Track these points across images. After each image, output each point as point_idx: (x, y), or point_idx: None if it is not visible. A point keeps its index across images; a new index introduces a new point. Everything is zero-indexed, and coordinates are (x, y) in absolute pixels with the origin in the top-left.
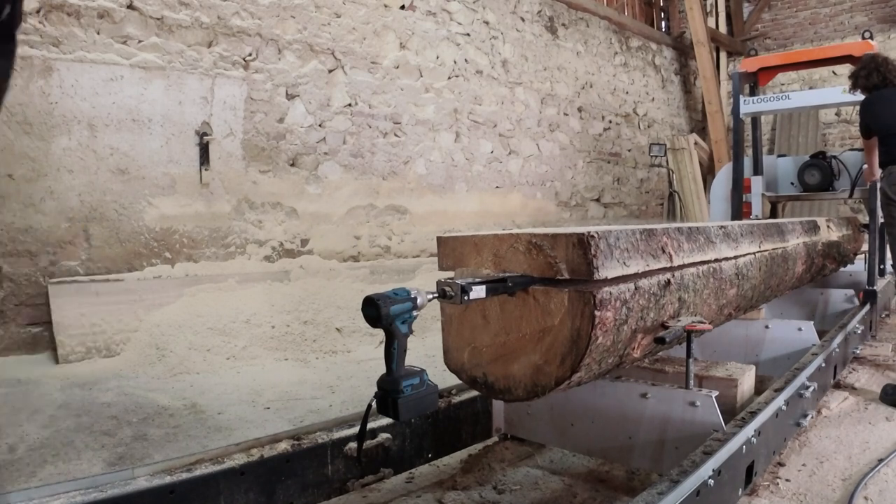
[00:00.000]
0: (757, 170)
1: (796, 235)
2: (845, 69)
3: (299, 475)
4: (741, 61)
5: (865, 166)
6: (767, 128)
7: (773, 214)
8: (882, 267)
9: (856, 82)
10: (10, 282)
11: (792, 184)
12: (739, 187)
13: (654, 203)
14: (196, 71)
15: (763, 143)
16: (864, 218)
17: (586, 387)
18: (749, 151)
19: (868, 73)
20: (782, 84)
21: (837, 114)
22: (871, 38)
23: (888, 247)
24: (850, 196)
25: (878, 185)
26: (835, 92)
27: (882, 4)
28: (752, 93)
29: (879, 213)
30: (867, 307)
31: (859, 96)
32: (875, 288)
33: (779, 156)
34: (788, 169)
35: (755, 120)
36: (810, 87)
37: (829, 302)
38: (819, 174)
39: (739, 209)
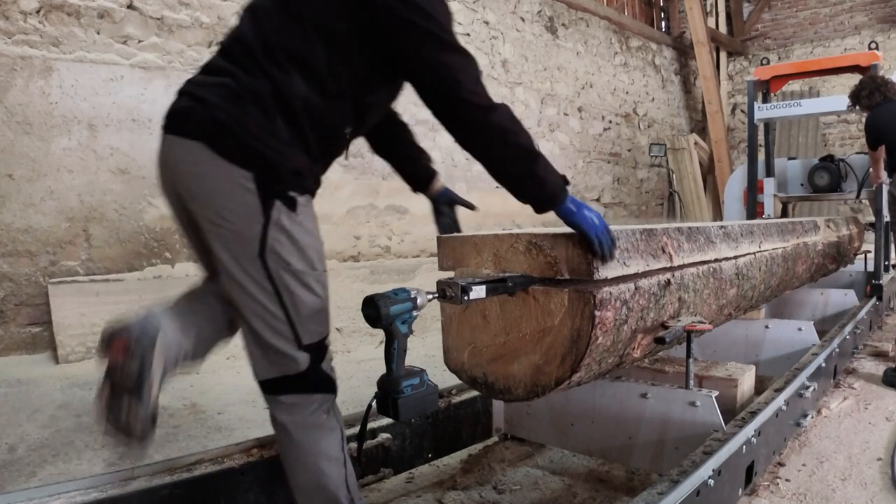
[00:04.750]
0: (769, 172)
1: (796, 235)
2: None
3: None
4: (755, 69)
5: (872, 170)
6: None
7: (784, 214)
8: (887, 263)
9: (857, 101)
10: (10, 282)
11: (801, 185)
12: (754, 188)
13: (654, 203)
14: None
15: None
16: (863, 218)
17: (586, 387)
18: (760, 154)
19: (869, 92)
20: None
21: (837, 114)
22: (878, 48)
23: (893, 245)
24: (857, 197)
25: (886, 189)
26: (843, 100)
27: (882, 4)
28: (765, 99)
29: (885, 212)
30: (866, 306)
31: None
32: (881, 282)
33: (789, 159)
34: (798, 171)
35: (767, 125)
36: (810, 88)
37: (829, 302)
38: (828, 176)
39: (754, 209)
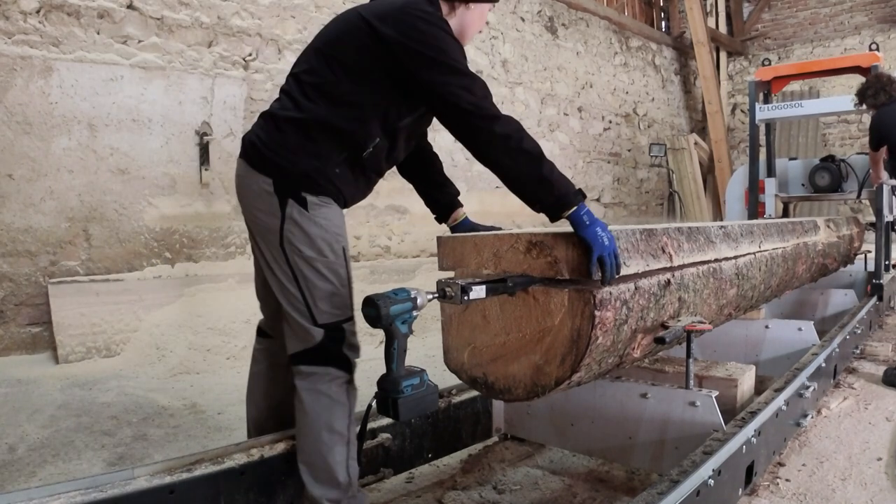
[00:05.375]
0: (770, 172)
1: (796, 235)
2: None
3: (299, 475)
4: (756, 70)
5: (871, 171)
6: None
7: (785, 214)
8: (887, 263)
9: (863, 100)
10: (10, 282)
11: (802, 185)
12: (755, 188)
13: (654, 203)
14: (196, 71)
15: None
16: (863, 218)
17: (586, 387)
18: (761, 154)
19: (875, 91)
20: None
21: (837, 115)
22: (878, 49)
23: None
24: (858, 197)
25: (887, 189)
26: (845, 100)
27: (882, 4)
28: (766, 100)
29: (885, 211)
30: (866, 306)
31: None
32: (882, 282)
33: (790, 159)
34: (799, 171)
35: (768, 125)
36: (810, 88)
37: (829, 302)
38: (828, 176)
39: (755, 209)
